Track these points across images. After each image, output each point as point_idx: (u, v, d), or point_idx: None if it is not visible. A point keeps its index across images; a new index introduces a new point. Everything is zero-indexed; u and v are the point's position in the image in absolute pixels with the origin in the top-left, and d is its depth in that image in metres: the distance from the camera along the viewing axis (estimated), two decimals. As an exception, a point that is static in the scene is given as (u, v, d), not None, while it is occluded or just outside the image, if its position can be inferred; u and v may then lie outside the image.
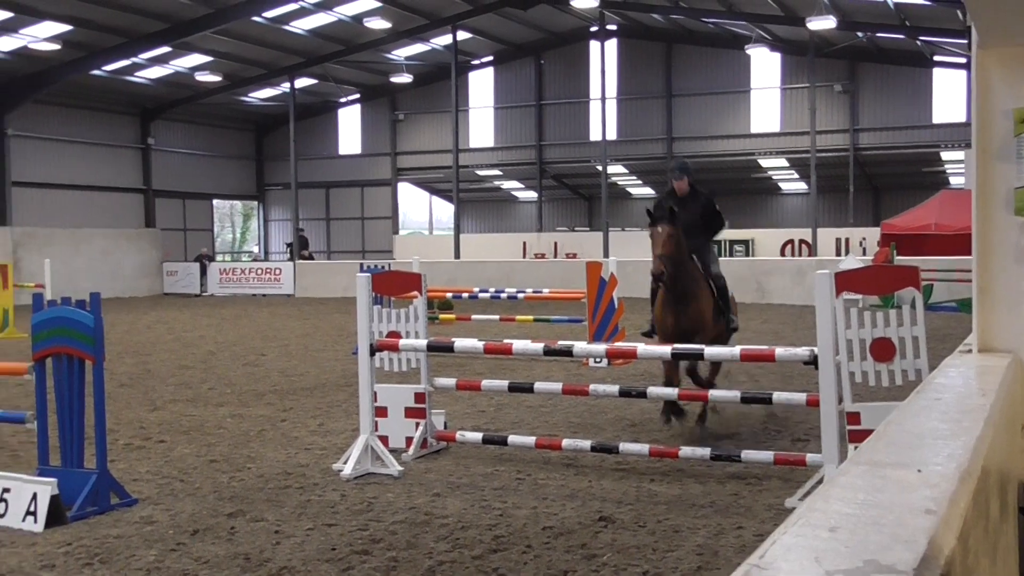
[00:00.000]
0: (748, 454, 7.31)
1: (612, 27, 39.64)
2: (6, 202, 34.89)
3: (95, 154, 38.85)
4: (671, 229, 8.68)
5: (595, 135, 41.22)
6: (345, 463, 7.79)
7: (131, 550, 5.93)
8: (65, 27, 30.73)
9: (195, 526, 6.41)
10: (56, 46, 31.69)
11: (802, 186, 41.69)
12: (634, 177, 44.31)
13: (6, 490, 6.47)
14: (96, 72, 35.13)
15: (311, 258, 40.35)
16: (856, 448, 6.24)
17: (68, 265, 31.09)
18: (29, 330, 7.23)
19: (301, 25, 34.75)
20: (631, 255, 28.02)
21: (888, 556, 1.44)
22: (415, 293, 8.73)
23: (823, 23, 29.98)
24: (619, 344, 7.91)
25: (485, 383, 8.72)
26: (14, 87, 34.20)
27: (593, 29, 38.81)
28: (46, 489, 6.39)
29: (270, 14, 32.80)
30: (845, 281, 6.69)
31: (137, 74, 37.33)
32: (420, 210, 48.81)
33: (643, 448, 7.65)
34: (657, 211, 8.99)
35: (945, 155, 38.17)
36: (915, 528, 1.58)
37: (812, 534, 1.56)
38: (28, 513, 6.36)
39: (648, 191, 45.23)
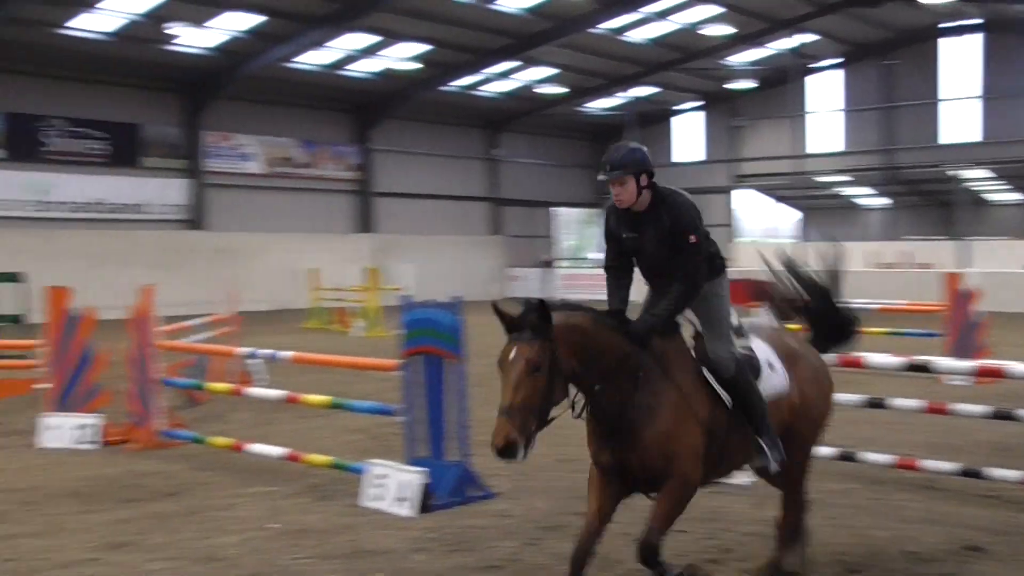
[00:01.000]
0: None
1: (970, 21, 36.90)
2: (371, 211, 38.03)
3: (446, 165, 41.37)
4: (535, 352, 4.59)
5: (950, 137, 38.56)
6: (692, 471, 7.74)
7: (491, 541, 6.24)
8: (424, 47, 32.98)
9: (549, 522, 6.64)
10: (416, 65, 34.15)
11: None
12: (1003, 182, 40.96)
13: (382, 476, 7.03)
14: (447, 88, 37.42)
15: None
16: None
17: (423, 269, 33.36)
18: (393, 329, 7.81)
19: (640, 34, 35.18)
20: (995, 266, 26.09)
21: None
22: (761, 302, 8.54)
23: None
24: (985, 361, 7.33)
25: (834, 396, 8.32)
26: (378, 105, 37.27)
27: (947, 25, 36.35)
28: (418, 478, 6.87)
29: (610, 24, 33.43)
30: None
31: (484, 88, 39.36)
32: (757, 218, 47.89)
33: (1017, 475, 7.03)
34: (519, 311, 4.67)
35: None
36: None
37: None
38: (399, 499, 6.87)
39: (1017, 196, 41.68)
